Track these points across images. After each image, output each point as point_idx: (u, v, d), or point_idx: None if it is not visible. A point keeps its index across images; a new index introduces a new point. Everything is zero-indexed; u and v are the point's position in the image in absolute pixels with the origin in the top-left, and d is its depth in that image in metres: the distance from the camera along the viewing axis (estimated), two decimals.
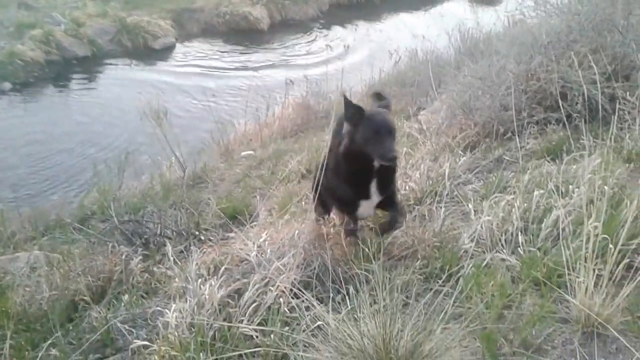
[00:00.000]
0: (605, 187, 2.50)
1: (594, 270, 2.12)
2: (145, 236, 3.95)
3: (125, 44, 12.70)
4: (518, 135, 3.75)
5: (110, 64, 12.17)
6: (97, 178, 5.16)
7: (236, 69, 11.87)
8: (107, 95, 10.59)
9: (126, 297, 3.07)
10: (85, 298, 3.08)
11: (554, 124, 3.93)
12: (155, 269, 3.44)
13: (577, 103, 3.80)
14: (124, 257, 3.47)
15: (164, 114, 5.60)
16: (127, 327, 2.66)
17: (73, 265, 3.48)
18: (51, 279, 3.40)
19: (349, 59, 11.27)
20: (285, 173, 5.59)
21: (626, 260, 2.18)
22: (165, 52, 12.81)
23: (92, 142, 8.49)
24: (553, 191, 2.78)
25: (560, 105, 3.60)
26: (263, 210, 4.61)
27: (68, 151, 8.24)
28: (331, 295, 2.21)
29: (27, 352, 2.76)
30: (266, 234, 3.08)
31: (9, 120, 9.54)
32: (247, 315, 2.30)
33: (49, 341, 2.64)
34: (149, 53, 12.62)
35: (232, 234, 4.30)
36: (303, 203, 4.39)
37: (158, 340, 2.37)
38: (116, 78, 11.46)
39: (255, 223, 3.84)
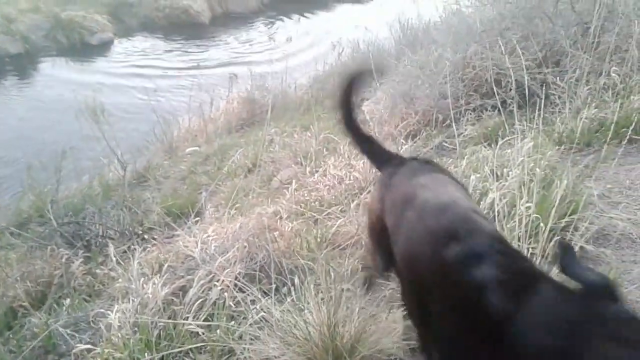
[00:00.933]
0: (537, 170, 2.61)
1: (527, 249, 2.22)
2: (87, 238, 3.85)
3: (61, 40, 12.21)
4: (456, 123, 3.86)
5: (46, 61, 11.67)
6: (32, 180, 4.95)
7: (178, 63, 11.60)
8: (43, 93, 10.15)
9: (68, 301, 2.99)
10: (24, 304, 2.99)
11: (489, 110, 4.05)
12: (97, 270, 3.36)
13: (510, 89, 3.93)
14: (64, 260, 3.37)
15: (101, 111, 5.42)
16: (69, 332, 2.58)
17: (10, 271, 3.36)
18: None
19: (292, 51, 11.25)
20: (231, 167, 5.55)
21: (556, 238, 2.28)
22: (102, 48, 12.38)
23: (27, 143, 8.11)
24: (489, 175, 2.88)
25: (495, 91, 3.73)
26: (210, 207, 4.56)
27: (2, 153, 7.87)
28: (274, 286, 2.22)
29: None
30: (211, 230, 3.06)
31: None
32: (192, 312, 2.28)
33: None
34: (86, 49, 12.17)
35: (177, 232, 4.25)
36: (250, 197, 4.38)
37: (102, 343, 2.32)
38: (52, 76, 10.99)
39: (198, 219, 3.80)
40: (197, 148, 6.94)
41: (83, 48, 12.19)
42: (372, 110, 5.52)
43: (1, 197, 5.66)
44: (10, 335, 2.90)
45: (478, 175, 2.84)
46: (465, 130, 3.91)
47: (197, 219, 3.53)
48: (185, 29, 13.30)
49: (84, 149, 6.72)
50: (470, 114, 4.09)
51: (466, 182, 2.88)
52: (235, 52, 12.15)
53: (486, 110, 4.08)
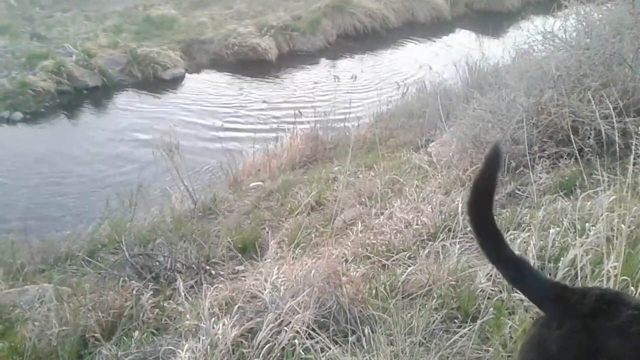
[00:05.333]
0: (623, 226, 2.48)
1: None
2: (156, 270, 3.94)
3: (136, 74, 12.79)
4: (530, 170, 3.74)
5: (121, 94, 12.28)
6: (109, 210, 5.16)
7: (244, 99, 11.96)
8: (117, 125, 10.67)
9: (137, 333, 3.04)
10: (95, 335, 3.06)
11: (565, 159, 3.91)
12: (165, 304, 3.42)
13: (589, 137, 3.79)
14: (134, 292, 3.45)
15: (176, 147, 5.62)
16: None
17: (83, 299, 3.47)
18: (61, 314, 3.38)
19: (356, 90, 11.37)
20: (294, 204, 5.59)
21: None
22: (174, 83, 12.91)
23: (102, 173, 8.54)
24: (568, 229, 2.76)
25: (572, 139, 3.62)
26: (273, 243, 4.59)
27: (78, 182, 8.28)
28: (351, 337, 2.17)
29: None
30: (278, 270, 3.05)
31: (19, 150, 9.60)
32: (260, 356, 2.27)
33: None
34: (159, 83, 12.72)
35: (241, 267, 4.28)
36: (313, 236, 4.38)
37: None
38: (126, 108, 11.55)
39: (265, 258, 3.83)
40: (260, 183, 7.06)
41: (156, 82, 12.72)
42: (438, 152, 5.46)
43: (77, 224, 5.91)
44: None
45: (557, 228, 2.72)
46: (540, 178, 3.78)
47: (265, 258, 3.54)
48: (252, 65, 13.69)
49: (154, 179, 6.99)
50: (545, 161, 3.96)
51: (544, 235, 2.78)
52: (300, 89, 12.41)
53: (562, 158, 3.94)
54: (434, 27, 16.47)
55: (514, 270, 1.44)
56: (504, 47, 7.65)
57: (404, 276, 2.81)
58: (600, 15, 4.80)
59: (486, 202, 1.47)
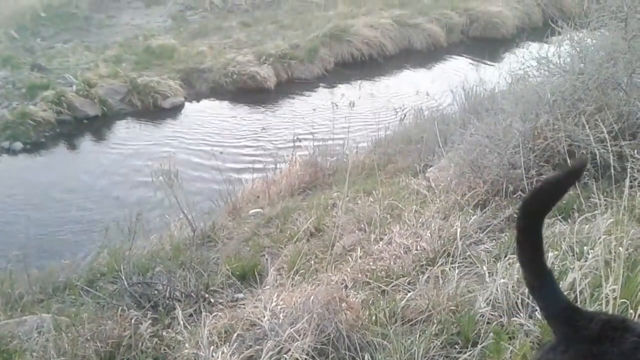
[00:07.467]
0: (621, 249, 2.48)
1: None
2: (155, 299, 3.91)
3: (136, 103, 12.89)
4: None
5: (121, 123, 12.37)
6: (108, 239, 5.16)
7: (243, 126, 12.06)
8: (117, 154, 10.73)
9: None
10: None
11: None
12: (164, 333, 3.39)
13: None
14: (133, 321, 3.43)
15: (175, 175, 5.65)
16: None
17: (82, 329, 3.44)
18: (59, 344, 3.36)
19: (354, 116, 11.45)
20: (294, 231, 5.59)
21: None
22: (174, 111, 13.01)
23: (101, 202, 8.55)
24: (567, 252, 2.76)
25: (569, 163, 3.64)
26: (272, 270, 4.57)
27: (78, 211, 8.29)
28: None
29: None
30: (277, 297, 3.05)
31: (18, 180, 9.63)
32: None
33: None
34: (159, 112, 12.80)
35: (241, 295, 4.26)
36: (313, 262, 4.37)
37: None
38: (126, 137, 11.62)
39: (265, 285, 3.81)
40: (260, 210, 7.06)
41: (156, 111, 12.80)
42: (437, 177, 5.49)
43: (76, 253, 5.89)
44: None
45: (556, 252, 2.73)
46: None
47: (264, 285, 3.53)
48: (251, 93, 13.82)
49: (153, 207, 7.00)
50: None
51: None
52: (298, 116, 12.49)
53: None
54: (430, 54, 16.68)
55: (537, 277, 1.39)
56: (500, 73, 7.73)
57: (403, 302, 2.80)
58: (593, 41, 4.88)
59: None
